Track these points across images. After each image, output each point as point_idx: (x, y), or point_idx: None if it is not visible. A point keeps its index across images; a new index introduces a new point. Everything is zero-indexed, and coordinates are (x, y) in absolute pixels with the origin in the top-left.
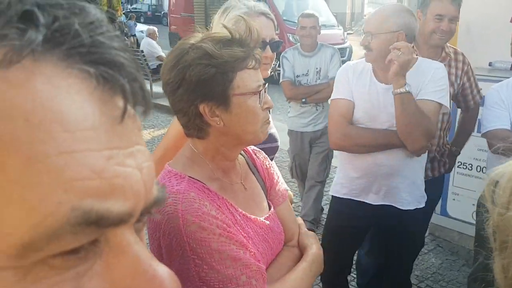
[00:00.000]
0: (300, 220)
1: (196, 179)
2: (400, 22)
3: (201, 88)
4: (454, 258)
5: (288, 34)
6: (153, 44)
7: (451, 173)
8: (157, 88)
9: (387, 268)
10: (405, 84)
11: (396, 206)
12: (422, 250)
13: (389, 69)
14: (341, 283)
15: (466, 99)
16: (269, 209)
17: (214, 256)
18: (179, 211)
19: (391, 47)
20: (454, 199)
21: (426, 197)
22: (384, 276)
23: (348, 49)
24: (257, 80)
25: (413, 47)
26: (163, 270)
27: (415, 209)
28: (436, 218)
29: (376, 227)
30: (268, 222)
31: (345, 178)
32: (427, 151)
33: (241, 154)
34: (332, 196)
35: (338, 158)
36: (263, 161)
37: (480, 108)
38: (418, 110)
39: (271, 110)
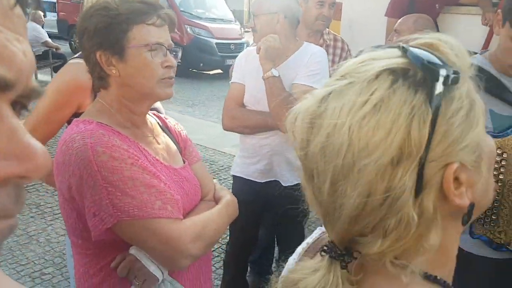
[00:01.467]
0: (215, 180)
1: (105, 124)
2: (279, 3)
3: (97, 36)
4: None
5: (186, 26)
6: (38, 29)
7: None
8: (44, 76)
9: (279, 241)
10: (272, 69)
11: (280, 181)
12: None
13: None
14: (244, 259)
15: None
16: (183, 163)
17: (127, 183)
18: (88, 144)
19: (265, 37)
20: None
21: None
22: (279, 246)
23: (245, 45)
24: (158, 37)
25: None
26: (38, 144)
27: (295, 184)
28: None
29: (266, 203)
30: (182, 172)
31: (239, 158)
32: None
33: (152, 116)
34: (232, 175)
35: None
36: (174, 126)
37: None
38: (285, 93)
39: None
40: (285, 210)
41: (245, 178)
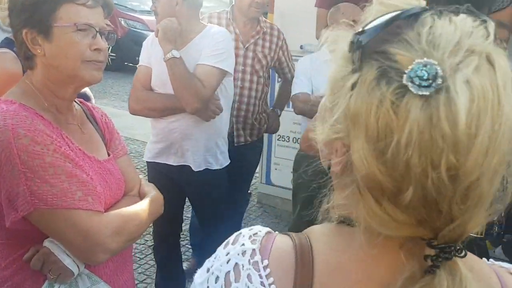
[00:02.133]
0: (142, 175)
1: (28, 106)
2: None
3: (23, 13)
4: (278, 221)
5: (120, 19)
6: None
7: (273, 146)
8: None
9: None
10: (172, 50)
11: (191, 166)
12: (251, 216)
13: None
14: (174, 243)
15: (284, 71)
16: (108, 156)
17: (48, 170)
18: (9, 125)
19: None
20: (276, 169)
21: (225, 160)
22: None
23: None
24: (87, 19)
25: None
26: None
27: (205, 169)
28: (262, 187)
29: (181, 187)
30: (106, 164)
31: (150, 143)
32: (234, 118)
33: (78, 104)
34: (146, 162)
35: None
36: (102, 116)
37: None
38: (187, 74)
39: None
40: (199, 195)
41: (160, 163)
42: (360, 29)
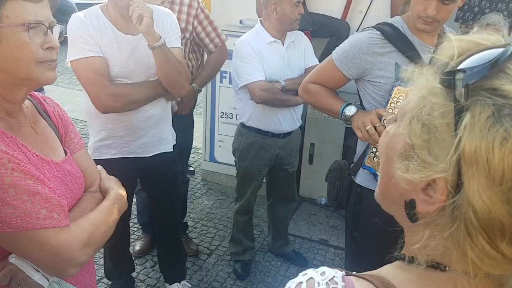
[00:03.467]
0: (100, 167)
1: None
2: None
3: None
4: (223, 198)
5: None
6: None
7: (216, 123)
8: None
9: (157, 215)
10: (161, 37)
11: (166, 151)
12: (196, 194)
13: (129, 20)
14: (124, 229)
15: (204, 43)
16: (65, 155)
17: (8, 191)
18: None
19: (131, 2)
20: (220, 146)
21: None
22: (157, 222)
23: None
24: (37, 14)
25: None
26: None
27: (174, 146)
28: (206, 165)
29: (147, 176)
30: (64, 166)
31: (111, 138)
32: None
33: (29, 99)
34: (101, 159)
35: (92, 119)
36: (54, 108)
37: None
38: (176, 58)
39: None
40: (162, 175)
41: (127, 157)
42: (455, 67)
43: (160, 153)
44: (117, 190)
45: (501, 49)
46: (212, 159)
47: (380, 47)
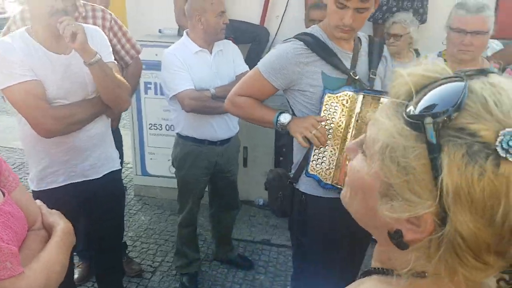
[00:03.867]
0: (39, 201)
1: None
2: None
3: None
4: (161, 211)
5: None
6: None
7: (144, 135)
8: None
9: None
10: (96, 52)
11: (114, 169)
12: (131, 211)
13: (60, 39)
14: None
15: (120, 55)
16: (3, 196)
17: None
18: None
19: (60, 20)
20: (151, 159)
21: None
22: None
23: (11, 19)
24: None
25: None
26: None
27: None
28: (138, 179)
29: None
30: (5, 208)
31: (56, 164)
32: None
33: None
34: (37, 191)
35: (31, 147)
36: None
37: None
38: (114, 73)
39: None
40: (109, 197)
41: (75, 183)
42: (415, 107)
43: (109, 172)
44: (62, 224)
45: (456, 84)
46: (145, 172)
47: (306, 57)
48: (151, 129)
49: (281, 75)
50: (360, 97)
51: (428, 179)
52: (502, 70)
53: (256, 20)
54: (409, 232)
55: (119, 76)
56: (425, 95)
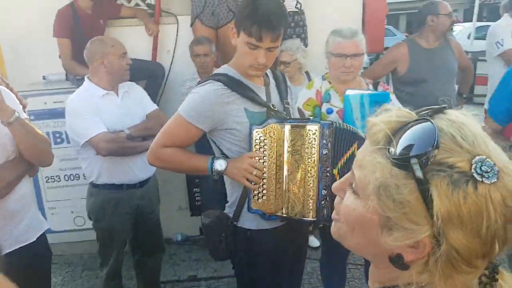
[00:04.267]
0: None
1: None
2: None
3: None
4: (72, 268)
5: None
6: None
7: (42, 190)
8: None
9: None
10: (14, 110)
11: (44, 229)
12: None
13: None
14: None
15: None
16: None
17: None
18: None
19: None
20: (53, 214)
21: None
22: None
23: None
24: None
25: None
26: None
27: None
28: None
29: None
30: None
31: None
32: None
33: None
34: None
35: None
36: None
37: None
38: (34, 128)
39: None
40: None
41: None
42: (396, 149)
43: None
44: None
45: (425, 125)
46: (47, 230)
47: (227, 97)
48: (49, 181)
49: (206, 118)
50: (288, 126)
51: (422, 208)
52: (375, 84)
53: (147, 56)
54: (409, 255)
55: (39, 130)
56: (400, 138)
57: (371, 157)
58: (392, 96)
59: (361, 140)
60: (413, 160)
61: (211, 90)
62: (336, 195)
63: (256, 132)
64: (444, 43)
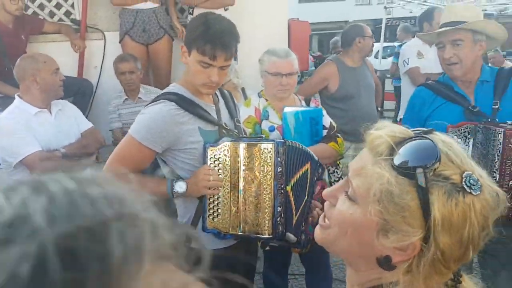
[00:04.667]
0: None
1: None
2: None
3: None
4: None
5: None
6: None
7: None
8: None
9: None
10: None
11: None
12: None
13: None
14: None
15: None
16: None
17: None
18: None
19: None
20: None
21: None
22: None
23: None
24: None
25: None
26: None
27: None
28: None
29: None
30: None
31: None
32: None
33: None
34: None
35: None
36: None
37: None
38: None
39: None
40: None
41: None
42: (398, 159)
43: None
44: None
45: (424, 141)
46: None
47: (181, 117)
48: None
49: (161, 138)
50: (243, 145)
51: (419, 213)
52: (307, 101)
53: (73, 73)
54: (397, 256)
55: None
56: (403, 150)
57: (374, 166)
58: (324, 112)
59: (313, 160)
60: (419, 170)
61: (164, 110)
62: (293, 211)
63: (211, 150)
64: (363, 62)
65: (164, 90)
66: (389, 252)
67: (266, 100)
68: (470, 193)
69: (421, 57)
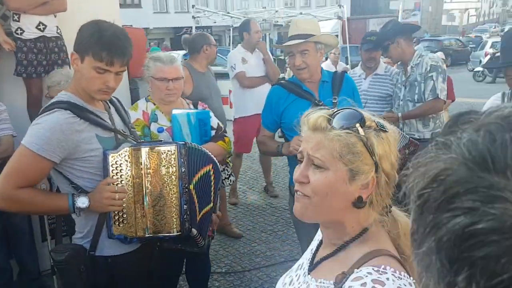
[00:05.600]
0: None
1: None
2: None
3: None
4: None
5: None
6: None
7: None
8: None
9: None
10: None
11: None
12: None
13: None
14: None
15: None
16: None
17: None
18: None
19: None
20: None
21: None
22: None
23: None
24: None
25: None
26: None
27: None
28: None
29: None
30: None
31: None
32: None
33: None
34: None
35: None
36: None
37: None
38: None
39: None
40: None
41: None
42: (338, 125)
43: None
44: None
45: (349, 110)
46: None
47: (78, 124)
48: None
49: (59, 148)
50: (145, 149)
51: (367, 154)
52: (195, 104)
53: None
54: (364, 193)
55: None
56: (337, 119)
57: (326, 137)
58: (211, 113)
59: (214, 163)
60: (358, 125)
61: (61, 119)
62: (196, 208)
63: (112, 157)
64: (207, 68)
65: (55, 99)
66: (358, 192)
67: (154, 104)
68: (385, 131)
69: (245, 62)
